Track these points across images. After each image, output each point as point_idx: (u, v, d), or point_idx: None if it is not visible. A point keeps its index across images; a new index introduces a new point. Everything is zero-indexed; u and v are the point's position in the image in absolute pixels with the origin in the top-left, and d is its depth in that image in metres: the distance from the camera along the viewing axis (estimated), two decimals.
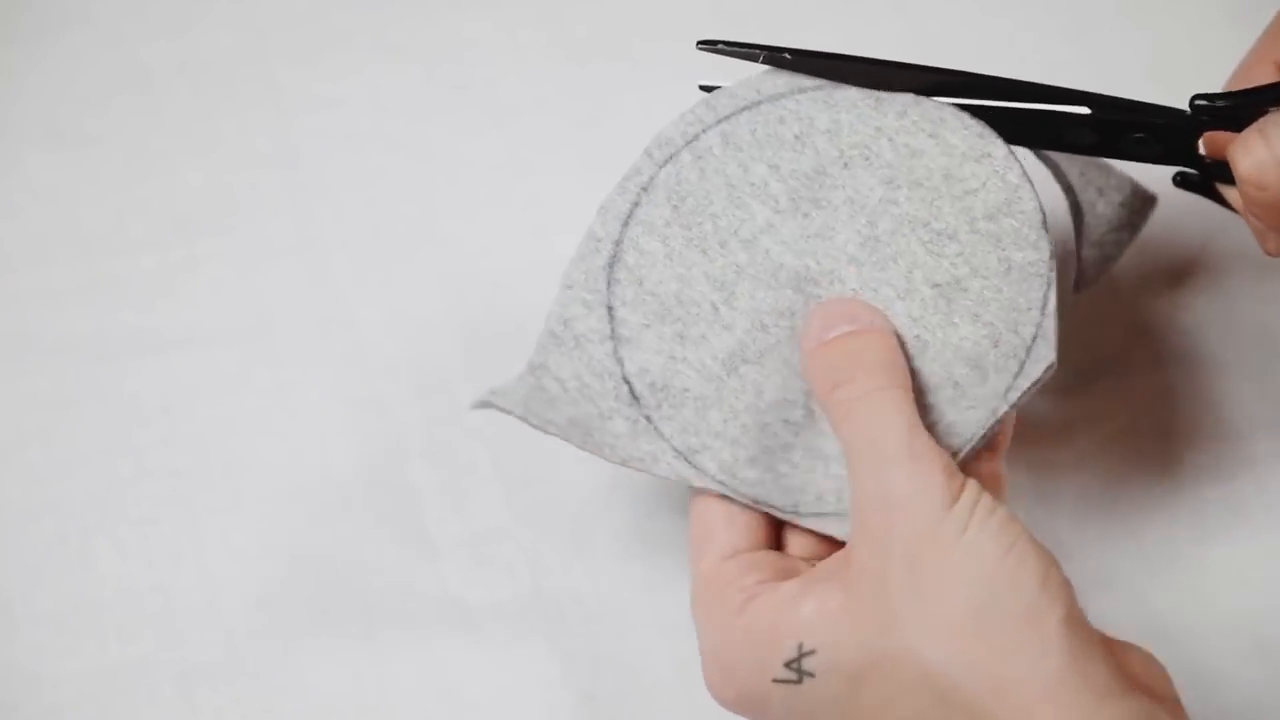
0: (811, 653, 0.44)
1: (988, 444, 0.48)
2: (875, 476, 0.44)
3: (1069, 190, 0.54)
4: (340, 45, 0.67)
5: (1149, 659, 0.44)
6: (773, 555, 0.47)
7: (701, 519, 0.48)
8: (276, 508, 0.58)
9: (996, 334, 0.48)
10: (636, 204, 0.50)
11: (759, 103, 0.50)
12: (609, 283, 0.49)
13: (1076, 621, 0.42)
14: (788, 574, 0.46)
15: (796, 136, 0.49)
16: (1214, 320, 0.61)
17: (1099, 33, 0.67)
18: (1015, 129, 0.50)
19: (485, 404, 0.48)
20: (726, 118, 0.50)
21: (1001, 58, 0.67)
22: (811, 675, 0.44)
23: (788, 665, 0.44)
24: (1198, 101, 0.50)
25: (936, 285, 0.48)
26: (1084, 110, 0.51)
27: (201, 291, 0.62)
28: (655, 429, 0.48)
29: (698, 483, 0.47)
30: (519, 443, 0.59)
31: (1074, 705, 0.41)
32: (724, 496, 0.47)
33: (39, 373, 0.60)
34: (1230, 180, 0.50)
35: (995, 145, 0.49)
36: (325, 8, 0.68)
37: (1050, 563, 0.43)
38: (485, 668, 0.55)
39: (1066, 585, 0.43)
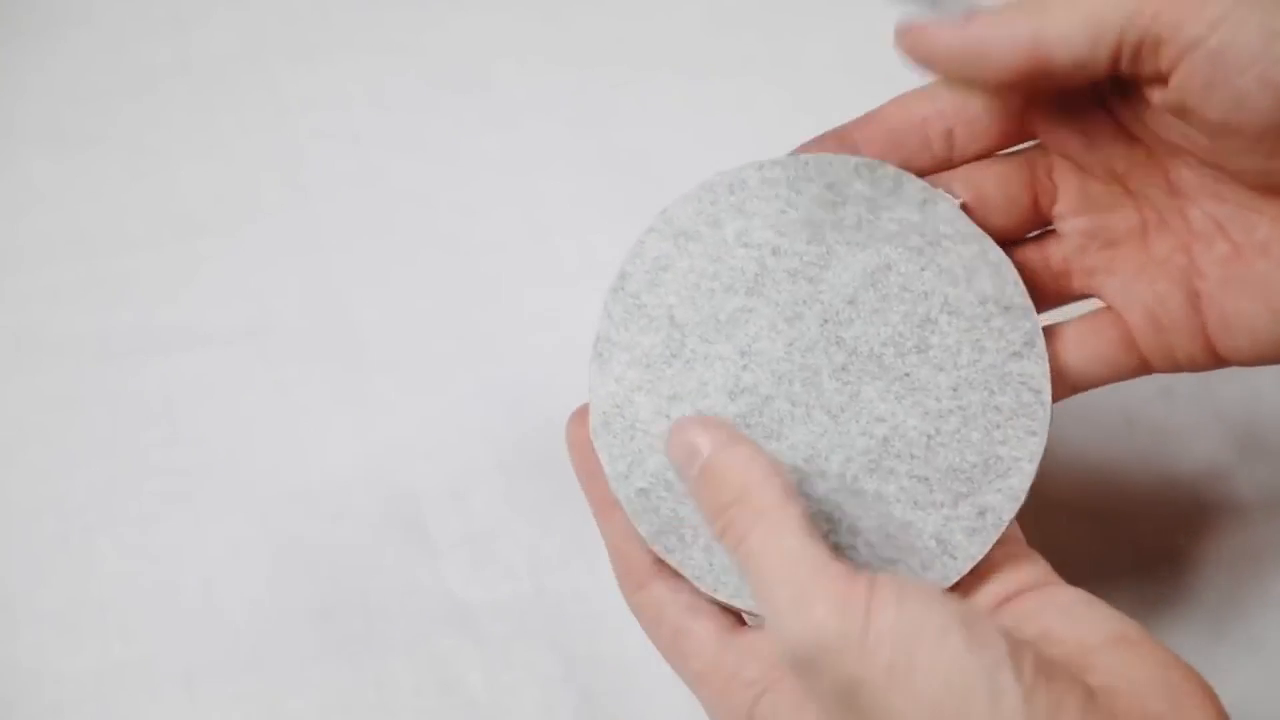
0: None
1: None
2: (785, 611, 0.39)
3: None
4: (340, 45, 0.67)
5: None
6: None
7: (654, 610, 0.45)
8: (277, 507, 0.58)
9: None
10: None
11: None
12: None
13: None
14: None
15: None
16: None
17: None
18: None
19: None
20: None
21: None
22: None
23: None
24: None
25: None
26: None
27: (202, 291, 0.62)
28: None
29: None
30: (519, 441, 0.59)
31: None
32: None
33: (40, 372, 0.60)
34: None
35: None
36: (325, 8, 0.68)
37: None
38: (485, 667, 0.55)
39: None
